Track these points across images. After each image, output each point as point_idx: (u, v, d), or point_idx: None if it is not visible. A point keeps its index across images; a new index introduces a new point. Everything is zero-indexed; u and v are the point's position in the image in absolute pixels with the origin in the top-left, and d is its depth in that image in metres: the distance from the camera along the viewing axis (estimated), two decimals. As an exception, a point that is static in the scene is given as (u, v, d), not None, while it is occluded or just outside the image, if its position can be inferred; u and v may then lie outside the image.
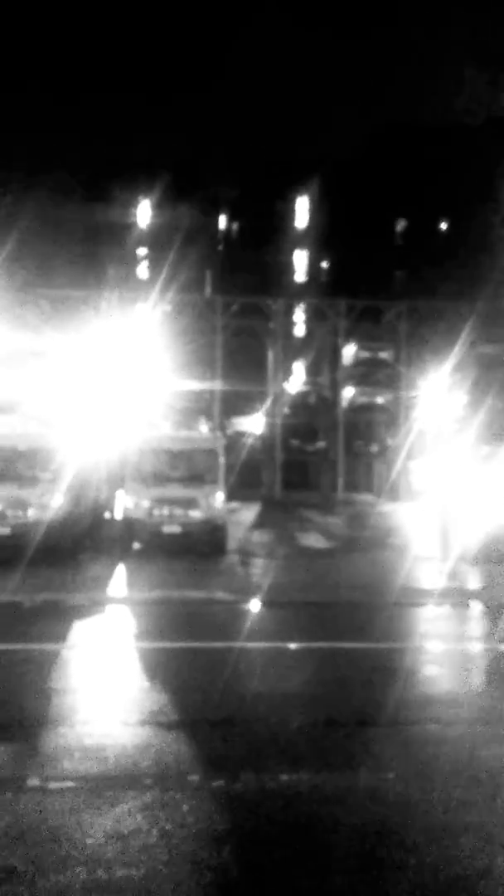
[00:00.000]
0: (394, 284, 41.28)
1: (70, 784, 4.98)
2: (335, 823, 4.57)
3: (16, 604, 10.61)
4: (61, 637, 8.85)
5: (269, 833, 4.47)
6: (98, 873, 3.95)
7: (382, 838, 4.40)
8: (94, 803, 4.70)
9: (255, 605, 11.00)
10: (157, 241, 44.72)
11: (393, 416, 32.36)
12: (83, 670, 7.82)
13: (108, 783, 4.99)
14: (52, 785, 4.98)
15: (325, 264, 49.15)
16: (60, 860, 4.06)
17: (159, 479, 15.73)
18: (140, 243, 47.46)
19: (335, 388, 32.76)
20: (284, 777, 5.16)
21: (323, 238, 47.63)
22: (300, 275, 49.92)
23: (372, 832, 4.46)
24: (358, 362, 33.91)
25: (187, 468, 16.13)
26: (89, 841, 4.26)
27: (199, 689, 7.13)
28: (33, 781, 5.02)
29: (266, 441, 31.75)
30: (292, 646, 8.81)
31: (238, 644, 8.97)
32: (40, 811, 4.60)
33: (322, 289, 44.64)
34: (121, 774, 5.14)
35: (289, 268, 49.50)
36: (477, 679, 7.76)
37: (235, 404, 32.18)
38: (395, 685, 7.49)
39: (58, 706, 6.51)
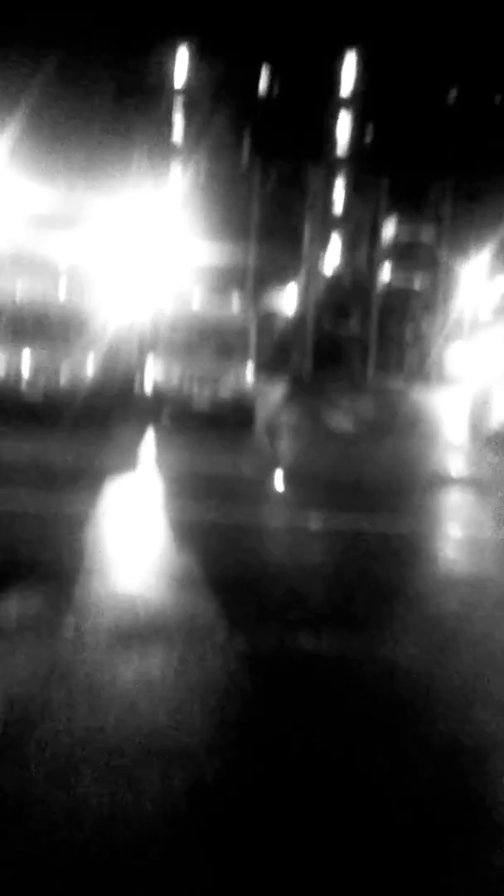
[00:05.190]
0: (441, 160, 39.19)
1: (102, 634, 5.22)
2: (353, 688, 4.78)
3: (49, 466, 10.84)
4: (92, 500, 9.08)
5: (289, 692, 4.69)
6: (129, 716, 4.20)
7: (398, 705, 4.60)
8: (124, 654, 4.95)
9: (279, 482, 11.15)
10: (194, 100, 42.53)
11: (429, 300, 31.61)
12: (113, 532, 8.06)
13: (138, 636, 5.23)
14: (87, 634, 5.23)
15: (370, 134, 46.67)
16: (94, 702, 4.31)
17: (190, 353, 15.64)
18: (175, 102, 45.18)
19: (372, 267, 31.91)
20: (306, 642, 5.37)
21: (369, 106, 44.96)
22: (343, 145, 47.56)
23: (388, 699, 4.66)
24: (398, 241, 32.82)
25: (218, 344, 16.00)
26: (121, 687, 4.51)
27: (223, 556, 7.35)
28: (68, 630, 5.27)
29: (298, 320, 31.30)
30: (316, 522, 8.98)
31: (263, 517, 9.17)
32: (74, 658, 4.85)
33: (365, 160, 42.58)
34: (150, 629, 5.38)
35: (331, 136, 47.11)
36: (497, 564, 7.90)
37: (268, 280, 31.52)
38: (416, 564, 7.66)
39: (90, 563, 6.76)
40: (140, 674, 4.68)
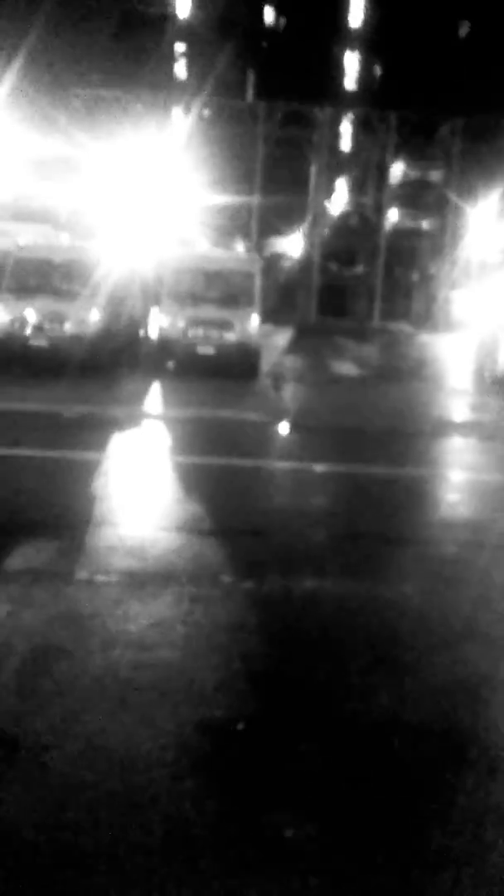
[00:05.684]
0: (451, 98, 38.17)
1: (114, 578, 5.45)
2: (354, 627, 5.00)
3: (56, 414, 11.00)
4: (100, 447, 9.25)
5: (292, 631, 4.91)
6: (142, 654, 4.43)
7: (397, 642, 4.83)
8: (136, 595, 5.17)
9: (284, 427, 11.29)
10: (197, 35, 41.26)
11: (437, 243, 31.19)
12: (121, 479, 8.25)
13: (149, 579, 5.45)
14: (98, 578, 5.45)
15: (377, 71, 45.40)
16: (108, 642, 4.54)
17: (195, 299, 15.62)
18: (178, 38, 43.82)
19: (379, 209, 31.41)
20: (309, 583, 5.58)
21: (376, 42, 43.60)
22: (350, 81, 46.28)
23: (387, 637, 4.88)
24: (405, 183, 32.21)
25: (223, 289, 15.96)
26: (133, 627, 4.74)
27: (229, 502, 7.54)
28: (81, 574, 5.50)
29: (303, 263, 30.97)
30: (320, 467, 9.15)
31: (267, 463, 9.35)
32: (88, 600, 5.08)
33: (373, 99, 41.49)
34: (160, 572, 5.60)
35: (338, 73, 45.80)
36: (498, 508, 8.07)
37: (273, 223, 31.09)
38: (419, 509, 7.85)
39: (99, 510, 6.96)
40: (151, 615, 4.90)
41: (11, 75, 22.44)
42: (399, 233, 32.31)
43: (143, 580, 5.43)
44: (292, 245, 31.66)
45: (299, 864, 3.01)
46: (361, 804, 3.38)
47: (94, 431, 10.06)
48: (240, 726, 3.84)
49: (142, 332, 17.42)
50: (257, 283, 16.12)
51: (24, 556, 5.80)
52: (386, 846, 3.14)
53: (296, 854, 3.06)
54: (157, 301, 16.27)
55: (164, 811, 3.23)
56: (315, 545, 6.47)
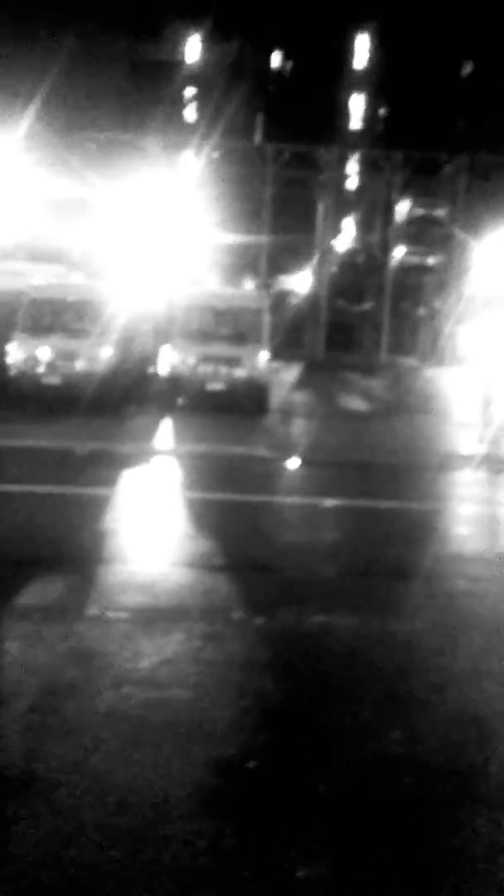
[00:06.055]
0: (455, 136, 38.81)
1: (124, 615, 5.46)
2: (365, 662, 4.99)
3: (67, 450, 11.09)
4: (111, 483, 9.31)
5: (304, 667, 4.90)
6: (153, 691, 4.43)
7: (409, 678, 4.81)
8: (147, 632, 5.18)
9: (294, 463, 11.34)
10: (206, 80, 42.24)
11: (443, 279, 31.48)
12: (132, 515, 8.29)
13: (160, 616, 5.47)
14: (109, 615, 5.46)
15: (382, 112, 46.26)
16: (119, 679, 4.55)
17: (204, 336, 15.80)
18: (188, 83, 44.88)
19: (386, 246, 31.79)
20: (319, 618, 5.58)
21: (381, 83, 44.53)
22: (355, 122, 47.17)
23: (400, 672, 4.87)
24: (411, 220, 32.61)
25: (232, 326, 16.14)
26: (144, 664, 4.74)
27: (240, 537, 7.56)
28: (91, 611, 5.51)
29: (311, 300, 31.28)
30: (329, 502, 9.17)
31: (277, 498, 9.37)
32: (99, 637, 5.09)
33: (378, 139, 42.24)
34: (170, 609, 5.61)
35: (343, 114, 46.73)
36: (508, 542, 8.07)
37: (282, 261, 31.50)
38: (428, 543, 7.84)
39: (110, 546, 6.99)
40: (161, 651, 4.91)
41: (28, 119, 22.99)
42: (405, 269, 32.65)
43: (154, 617, 5.45)
44: (300, 282, 32.02)
45: (312, 905, 2.98)
46: (374, 843, 3.35)
47: (105, 467, 10.13)
48: (251, 764, 3.83)
49: (152, 369, 17.60)
50: (266, 319, 16.31)
51: (34, 593, 5.82)
52: (398, 886, 3.11)
53: (308, 893, 3.04)
54: (167, 338, 16.46)
55: (174, 850, 3.22)
56: (325, 580, 6.47)
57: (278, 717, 4.27)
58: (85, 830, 3.30)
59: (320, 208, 31.23)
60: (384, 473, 10.84)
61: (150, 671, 4.65)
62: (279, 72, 49.05)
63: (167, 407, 15.15)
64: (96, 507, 8.21)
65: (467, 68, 43.87)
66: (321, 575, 6.58)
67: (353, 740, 4.10)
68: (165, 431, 13.36)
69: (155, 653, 4.89)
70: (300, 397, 18.90)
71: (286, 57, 48.74)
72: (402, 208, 32.30)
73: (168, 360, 15.95)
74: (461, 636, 5.42)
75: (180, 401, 15.50)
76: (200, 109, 42.37)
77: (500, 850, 3.32)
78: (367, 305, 32.88)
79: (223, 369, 15.36)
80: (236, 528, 7.90)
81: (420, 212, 32.47)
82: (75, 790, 3.55)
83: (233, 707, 4.32)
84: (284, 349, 23.84)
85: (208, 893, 3.01)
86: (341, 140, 41.09)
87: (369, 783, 3.76)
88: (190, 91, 44.74)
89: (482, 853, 3.31)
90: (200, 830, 3.34)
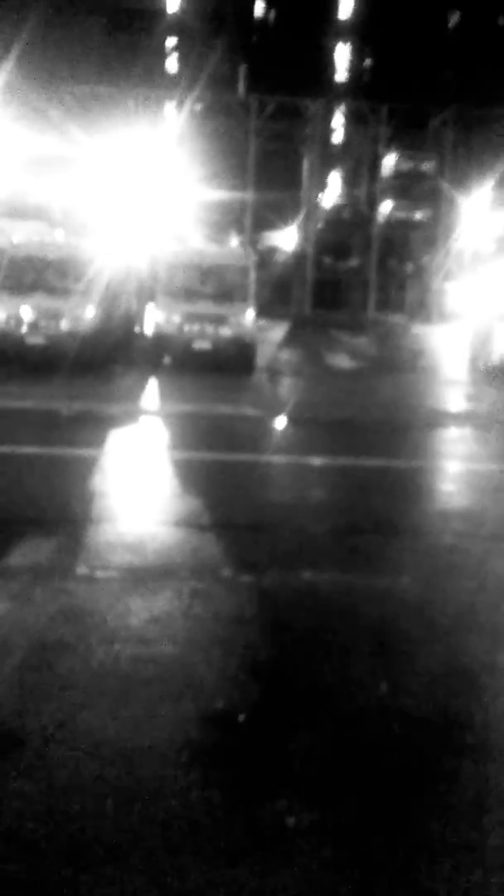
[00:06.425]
0: (442, 89, 38.10)
1: (114, 574, 5.49)
2: (352, 617, 5.05)
3: (53, 412, 11.02)
4: (98, 444, 9.28)
5: (292, 622, 4.96)
6: (143, 648, 4.48)
7: (396, 632, 4.87)
8: (136, 591, 5.21)
9: (281, 421, 11.33)
10: (187, 31, 41.14)
11: (431, 234, 31.18)
12: (120, 475, 8.29)
13: (149, 574, 5.50)
14: (98, 574, 5.49)
15: (368, 63, 45.31)
16: (109, 637, 4.58)
17: (190, 294, 15.63)
18: (169, 33, 43.67)
19: (372, 201, 31.37)
20: (307, 575, 5.63)
21: (367, 33, 43.50)
22: (341, 74, 46.20)
23: (387, 626, 4.93)
24: (398, 174, 32.16)
25: (218, 284, 15.97)
26: (134, 622, 4.78)
27: (228, 496, 7.58)
28: (81, 570, 5.54)
29: (297, 257, 30.93)
30: (317, 460, 9.19)
31: (264, 457, 9.38)
32: (89, 596, 5.12)
33: (364, 90, 41.40)
34: (159, 568, 5.64)
35: (329, 65, 45.71)
36: (494, 498, 8.12)
37: (267, 218, 31.04)
38: (415, 500, 7.89)
39: (98, 506, 6.99)
40: (151, 610, 4.95)
41: (5, 73, 22.37)
42: (392, 224, 32.29)
43: (143, 575, 5.48)
44: (286, 239, 31.62)
45: (301, 852, 3.05)
46: (362, 792, 3.43)
47: (91, 428, 10.09)
48: (241, 717, 3.89)
49: (137, 329, 17.44)
50: (251, 277, 16.14)
51: (24, 553, 5.83)
52: (386, 833, 3.19)
53: (298, 842, 3.11)
54: (152, 297, 16.28)
55: (166, 802, 3.28)
56: (313, 538, 6.51)
57: (267, 672, 4.32)
58: (77, 784, 3.35)
59: (306, 163, 30.71)
60: (371, 431, 10.86)
61: (139, 628, 4.69)
62: (263, 21, 47.80)
63: (153, 366, 15.05)
64: (83, 468, 8.19)
65: (455, 19, 42.92)
66: (308, 532, 6.62)
67: (340, 692, 4.16)
68: (151, 391, 13.29)
69: (144, 610, 4.92)
70: (287, 355, 18.82)
71: (269, 6, 47.46)
72: (389, 162, 31.83)
73: (153, 319, 15.79)
74: (447, 591, 5.49)
75: (166, 360, 15.40)
76: (182, 61, 41.34)
77: (485, 797, 3.41)
78: (353, 262, 32.56)
79: (209, 328, 15.24)
80: (224, 487, 7.91)
81: (407, 166, 32.02)
82: (67, 745, 3.60)
83: (222, 662, 4.37)
84: (271, 307, 23.63)
85: (201, 843, 3.07)
86: (327, 92, 40.24)
87: (357, 734, 3.83)
88: (171, 42, 43.59)
89: (467, 800, 3.39)
90: (192, 782, 3.39)
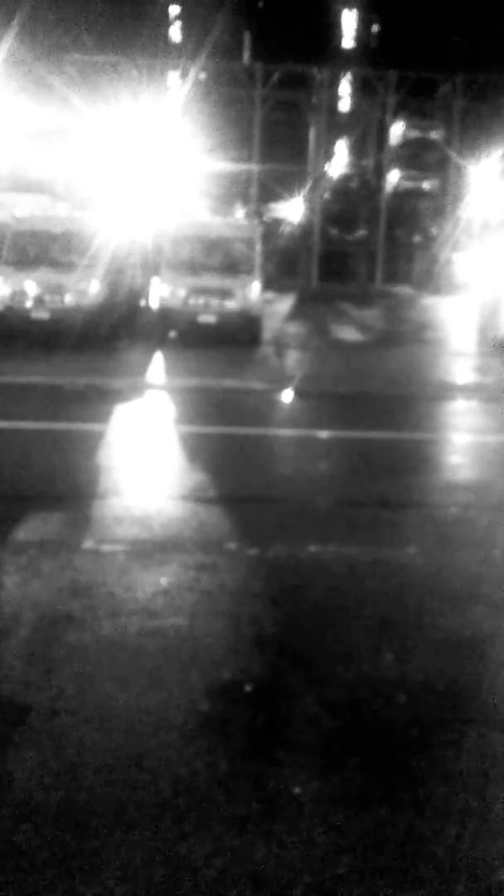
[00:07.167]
0: (451, 56, 37.41)
1: (121, 547, 5.50)
2: (359, 589, 5.06)
3: (58, 387, 11.00)
4: (104, 419, 9.27)
5: (299, 595, 4.97)
6: (150, 621, 4.50)
7: (402, 603, 4.88)
8: (143, 564, 5.23)
9: (287, 395, 11.29)
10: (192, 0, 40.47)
11: (439, 204, 30.82)
12: (126, 450, 8.28)
13: (155, 548, 5.51)
14: (105, 547, 5.51)
15: (375, 29, 44.51)
16: (116, 609, 4.61)
17: (195, 267, 15.51)
18: (173, 0, 42.97)
19: (380, 171, 31.00)
20: (314, 548, 5.63)
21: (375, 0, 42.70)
22: (348, 41, 45.43)
23: (393, 598, 4.94)
24: (406, 143, 31.68)
25: (223, 257, 15.84)
26: (140, 595, 4.80)
27: (234, 470, 7.57)
28: (88, 544, 5.55)
29: (304, 229, 30.64)
30: (323, 434, 9.17)
31: (271, 430, 9.36)
32: (96, 569, 5.14)
33: (371, 58, 40.73)
34: (166, 541, 5.65)
35: (336, 32, 44.96)
36: (501, 470, 8.09)
37: (273, 189, 30.71)
38: (421, 472, 7.87)
39: (104, 481, 7.00)
40: (157, 582, 4.96)
41: (6, 42, 22.07)
42: (400, 194, 31.90)
43: (150, 549, 5.49)
44: (292, 210, 31.29)
45: (308, 819, 3.08)
46: (369, 760, 3.45)
47: (97, 403, 10.08)
48: (248, 688, 3.91)
49: (142, 302, 17.35)
50: (257, 249, 16.00)
51: (31, 527, 5.86)
52: (392, 800, 3.21)
53: (304, 809, 3.14)
54: (156, 270, 16.17)
55: (174, 772, 3.31)
56: (320, 511, 6.51)
57: (273, 643, 4.34)
58: (84, 756, 3.39)
59: (312, 132, 30.32)
60: (378, 404, 10.81)
61: (146, 601, 4.71)
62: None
63: (158, 340, 14.99)
64: (90, 443, 8.19)
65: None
66: (315, 506, 6.61)
67: (346, 663, 4.18)
68: (157, 365, 13.25)
69: (151, 583, 4.94)
70: (293, 328, 18.71)
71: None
72: (397, 131, 31.37)
73: (158, 293, 15.70)
74: (453, 562, 5.49)
75: (171, 334, 15.33)
76: (186, 29, 40.70)
77: (490, 765, 3.43)
78: (361, 233, 32.23)
79: (214, 301, 15.14)
80: (230, 460, 7.90)
81: (415, 134, 31.53)
82: (75, 717, 3.63)
83: (228, 634, 4.39)
84: (277, 279, 23.48)
85: (208, 811, 3.10)
86: (333, 59, 39.61)
87: (362, 703, 3.85)
88: (174, 9, 42.90)
89: (472, 768, 3.41)
90: (199, 752, 3.42)
